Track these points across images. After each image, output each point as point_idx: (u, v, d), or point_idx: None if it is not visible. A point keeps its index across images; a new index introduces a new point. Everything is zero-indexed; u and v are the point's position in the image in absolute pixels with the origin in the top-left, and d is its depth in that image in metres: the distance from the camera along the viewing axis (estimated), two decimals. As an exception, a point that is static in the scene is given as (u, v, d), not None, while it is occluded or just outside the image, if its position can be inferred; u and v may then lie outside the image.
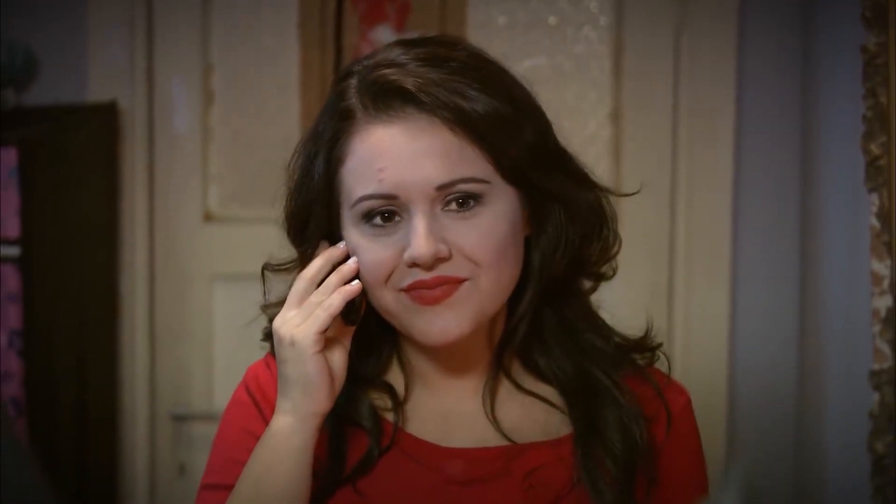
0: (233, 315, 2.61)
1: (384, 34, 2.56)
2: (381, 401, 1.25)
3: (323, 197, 1.20)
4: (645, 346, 1.29)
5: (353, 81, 1.18)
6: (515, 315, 1.23)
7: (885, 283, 1.64)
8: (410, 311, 1.17)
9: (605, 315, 1.30)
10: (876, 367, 1.65)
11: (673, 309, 2.50)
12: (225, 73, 2.64)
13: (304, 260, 1.22)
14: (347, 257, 1.19)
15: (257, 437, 1.18)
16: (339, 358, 1.18)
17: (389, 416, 1.24)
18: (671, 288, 2.51)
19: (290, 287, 1.20)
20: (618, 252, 1.26)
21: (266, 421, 1.19)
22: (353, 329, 1.20)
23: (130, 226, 2.61)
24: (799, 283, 2.41)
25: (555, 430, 1.24)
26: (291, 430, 1.15)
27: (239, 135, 2.65)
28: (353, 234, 1.18)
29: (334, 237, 1.21)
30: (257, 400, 1.25)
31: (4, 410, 2.24)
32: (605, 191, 1.25)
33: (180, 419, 2.65)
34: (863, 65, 1.68)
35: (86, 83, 2.60)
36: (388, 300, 1.18)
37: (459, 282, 1.15)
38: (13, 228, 2.49)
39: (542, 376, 1.26)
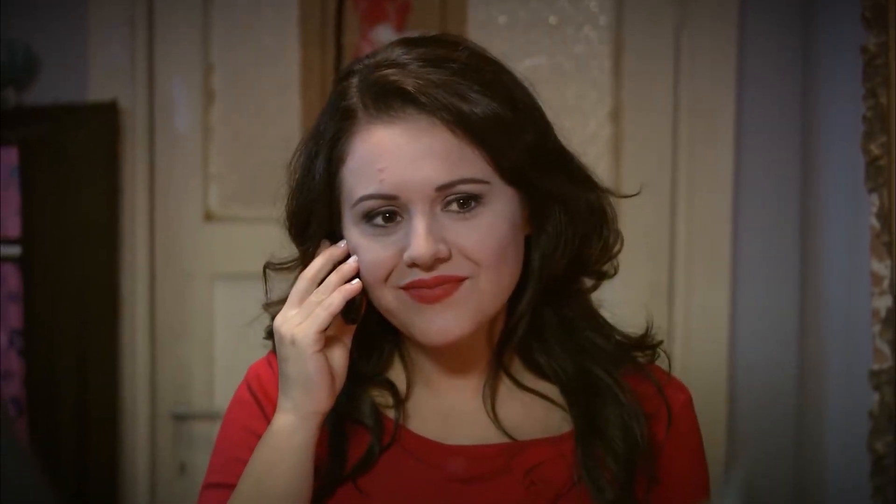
0: (233, 314, 2.62)
1: (385, 33, 2.57)
2: (383, 398, 1.25)
3: (324, 196, 1.20)
4: (645, 343, 1.29)
5: (355, 81, 1.19)
6: (515, 314, 1.23)
7: (885, 284, 1.65)
8: (411, 310, 1.17)
9: (606, 314, 1.30)
10: (876, 367, 1.65)
11: (673, 308, 2.50)
12: (225, 73, 2.64)
13: (305, 259, 1.23)
14: (348, 256, 1.19)
15: (259, 436, 1.19)
16: (339, 356, 1.18)
17: (390, 414, 1.24)
18: (671, 287, 2.51)
19: (291, 286, 1.20)
20: (619, 251, 1.27)
21: (268, 420, 1.20)
22: (353, 328, 1.21)
23: (131, 225, 2.61)
24: (799, 283, 2.41)
25: (556, 428, 1.24)
26: (293, 428, 1.16)
27: (239, 134, 2.65)
28: (354, 233, 1.18)
29: (335, 236, 1.21)
30: (259, 399, 1.25)
31: (5, 410, 2.24)
32: (606, 191, 1.25)
33: (181, 418, 2.65)
34: (863, 65, 1.68)
35: (86, 83, 2.60)
36: (388, 299, 1.18)
37: (459, 280, 1.16)
38: (14, 228, 2.49)
39: (542, 374, 1.26)
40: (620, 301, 1.33)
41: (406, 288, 1.16)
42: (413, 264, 1.15)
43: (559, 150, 1.22)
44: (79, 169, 2.51)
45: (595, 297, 1.30)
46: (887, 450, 1.62)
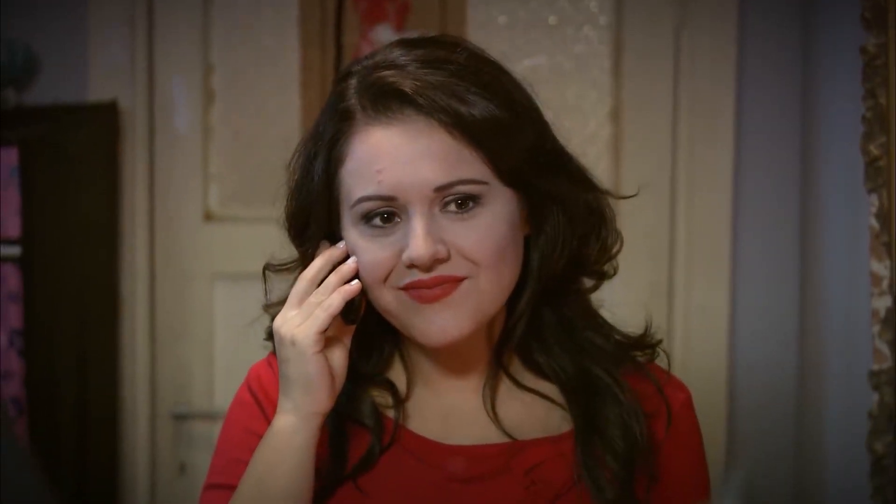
0: (233, 314, 2.62)
1: (384, 33, 2.57)
2: (383, 399, 1.25)
3: (323, 197, 1.20)
4: (645, 343, 1.29)
5: (353, 82, 1.19)
6: (514, 314, 1.23)
7: (885, 284, 1.65)
8: (410, 310, 1.17)
9: (606, 314, 1.31)
10: (875, 367, 1.65)
11: (673, 308, 2.50)
12: (225, 73, 2.64)
13: (304, 260, 1.23)
14: (347, 257, 1.20)
15: (260, 437, 1.19)
16: (339, 357, 1.19)
17: (391, 414, 1.24)
18: (671, 287, 2.51)
19: (290, 287, 1.20)
20: (619, 251, 1.27)
21: (269, 420, 1.20)
22: (353, 328, 1.21)
23: (131, 225, 2.61)
24: (799, 283, 2.41)
25: (556, 427, 1.24)
26: (293, 428, 1.16)
27: (239, 134, 2.65)
28: (353, 234, 1.19)
29: (335, 237, 1.21)
30: (260, 400, 1.26)
31: (5, 410, 2.24)
32: (605, 192, 1.25)
33: (181, 418, 2.65)
34: (862, 66, 1.68)
35: (86, 83, 2.60)
36: (388, 299, 1.18)
37: (458, 280, 1.16)
38: (14, 228, 2.49)
39: (542, 374, 1.26)
40: (620, 301, 1.34)
41: (405, 288, 1.16)
42: (412, 265, 1.15)
43: (558, 151, 1.22)
44: (79, 169, 2.51)
45: (595, 297, 1.30)
46: (887, 450, 1.62)
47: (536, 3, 2.56)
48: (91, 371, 2.54)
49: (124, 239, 2.61)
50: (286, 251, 1.27)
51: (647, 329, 1.30)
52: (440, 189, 1.14)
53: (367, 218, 1.17)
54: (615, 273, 1.28)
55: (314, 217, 1.21)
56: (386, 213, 1.16)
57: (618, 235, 1.26)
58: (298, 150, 1.24)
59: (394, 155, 1.14)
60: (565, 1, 2.56)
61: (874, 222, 1.66)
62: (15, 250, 2.49)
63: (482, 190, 1.16)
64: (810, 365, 2.30)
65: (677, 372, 1.31)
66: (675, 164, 2.50)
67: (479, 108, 1.14)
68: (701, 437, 1.30)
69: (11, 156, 2.49)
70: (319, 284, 1.18)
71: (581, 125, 2.52)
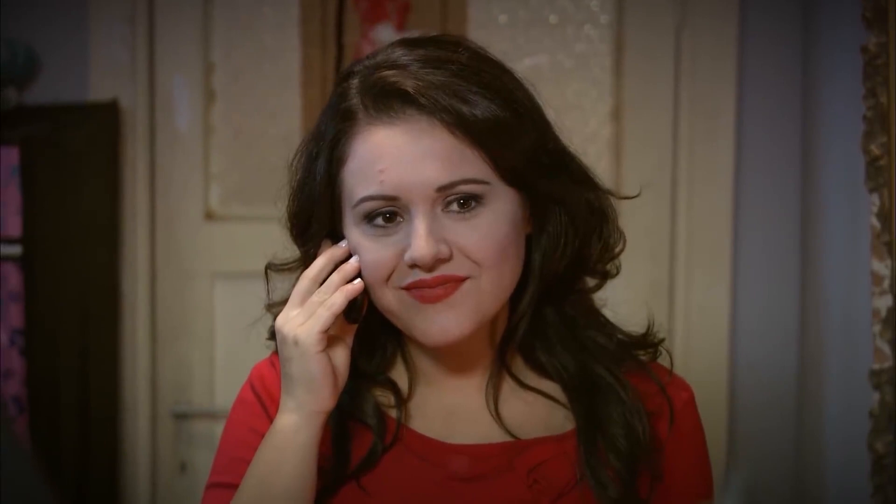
0: (234, 313, 2.62)
1: (385, 33, 2.57)
2: (385, 398, 1.26)
3: (325, 197, 1.20)
4: (647, 342, 1.29)
5: (355, 82, 1.19)
6: (516, 313, 1.23)
7: (886, 283, 1.65)
8: (411, 310, 1.17)
9: (607, 313, 1.31)
10: (876, 366, 1.65)
11: (673, 307, 2.50)
12: (226, 72, 2.64)
13: (306, 259, 1.23)
14: (349, 256, 1.20)
15: (262, 436, 1.19)
16: (341, 356, 1.19)
17: (393, 413, 1.24)
18: (672, 286, 2.51)
19: (293, 286, 1.20)
20: (622, 251, 1.27)
21: (271, 419, 1.20)
22: (355, 327, 1.21)
23: (132, 224, 2.61)
24: (799, 282, 2.41)
25: (558, 426, 1.24)
26: (296, 427, 1.16)
27: (240, 133, 2.65)
28: (355, 233, 1.19)
29: (336, 236, 1.22)
30: (262, 399, 1.26)
31: (5, 409, 2.24)
32: (606, 192, 1.25)
33: (182, 417, 2.65)
34: (863, 65, 1.68)
35: (87, 82, 2.60)
36: (389, 299, 1.18)
37: (461, 280, 1.16)
38: (15, 227, 2.49)
39: (544, 373, 1.26)
40: (621, 300, 1.34)
41: (408, 288, 1.16)
42: (414, 265, 1.15)
43: (560, 150, 1.22)
44: (80, 168, 2.51)
45: (597, 296, 1.30)
46: (887, 449, 1.62)
47: (537, 2, 2.56)
48: (92, 370, 2.54)
49: (125, 238, 2.61)
50: (287, 250, 1.27)
51: (649, 328, 1.30)
52: (442, 189, 1.14)
53: (369, 218, 1.17)
54: (618, 272, 1.28)
55: (316, 217, 1.21)
56: (388, 213, 1.16)
57: (620, 235, 1.26)
58: (300, 149, 1.24)
59: (396, 155, 1.14)
60: (566, 0, 2.56)
61: (875, 221, 1.66)
62: (16, 249, 2.49)
63: (484, 189, 1.16)
64: (811, 364, 2.31)
65: (678, 370, 1.31)
66: (675, 163, 2.50)
67: (480, 107, 1.14)
68: (703, 436, 1.30)
69: (12, 155, 2.49)
70: (322, 284, 1.18)
71: (582, 124, 2.52)
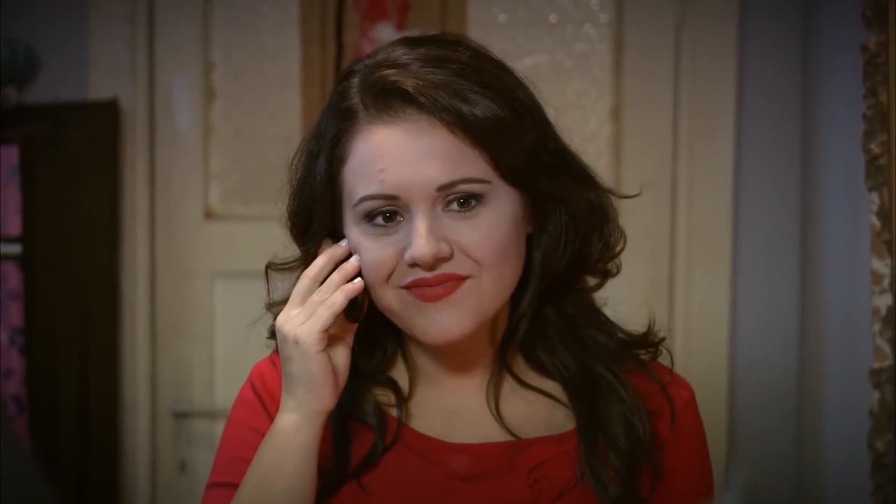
0: (234, 312, 2.62)
1: (385, 32, 2.57)
2: (386, 397, 1.26)
3: (325, 196, 1.20)
4: (648, 341, 1.29)
5: (355, 81, 1.19)
6: (517, 312, 1.23)
7: (886, 282, 1.65)
8: (412, 309, 1.17)
9: (608, 312, 1.31)
10: (876, 365, 1.65)
11: (673, 306, 2.50)
12: (226, 71, 2.64)
13: (307, 259, 1.23)
14: (350, 255, 1.20)
15: (263, 435, 1.19)
16: (342, 355, 1.19)
17: (393, 413, 1.24)
18: (672, 285, 2.51)
19: (293, 286, 1.20)
20: (622, 250, 1.27)
21: (272, 419, 1.20)
22: (355, 326, 1.21)
23: (131, 223, 2.61)
24: (799, 281, 2.41)
25: (559, 425, 1.24)
26: (297, 427, 1.16)
27: (240, 132, 2.65)
28: (355, 232, 1.19)
29: (337, 235, 1.21)
30: (263, 398, 1.26)
31: (5, 408, 2.24)
32: (607, 191, 1.25)
33: (181, 416, 2.65)
34: (863, 64, 1.68)
35: (87, 81, 2.60)
36: (390, 298, 1.18)
37: (461, 279, 1.16)
38: (14, 226, 2.49)
39: (545, 372, 1.26)
40: (621, 299, 1.34)
41: (408, 287, 1.16)
42: (414, 264, 1.15)
43: (560, 149, 1.22)
44: (79, 167, 2.52)
45: (598, 295, 1.30)
46: (887, 448, 1.62)
47: (537, 2, 2.56)
48: (92, 369, 2.54)
49: (125, 237, 2.61)
50: (287, 250, 1.27)
51: (650, 327, 1.30)
52: (443, 188, 1.14)
53: (369, 217, 1.17)
54: (618, 272, 1.28)
55: (316, 216, 1.21)
56: (388, 213, 1.16)
57: (621, 234, 1.26)
58: (300, 148, 1.24)
59: (396, 154, 1.14)
60: (566, -1, 2.56)
61: (875, 220, 1.66)
62: (16, 248, 2.49)
63: (485, 189, 1.16)
64: (811, 363, 2.31)
65: (678, 370, 1.31)
66: (675, 162, 2.50)
67: (481, 107, 1.14)
68: (704, 435, 1.30)
69: (12, 154, 2.49)
70: (322, 283, 1.18)
71: (581, 123, 2.52)
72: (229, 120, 2.65)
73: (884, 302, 1.65)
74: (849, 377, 1.88)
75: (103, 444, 2.57)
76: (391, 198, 1.15)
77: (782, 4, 2.44)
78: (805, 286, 2.38)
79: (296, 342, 1.15)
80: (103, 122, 2.56)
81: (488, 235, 1.16)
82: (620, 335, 1.29)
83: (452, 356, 1.24)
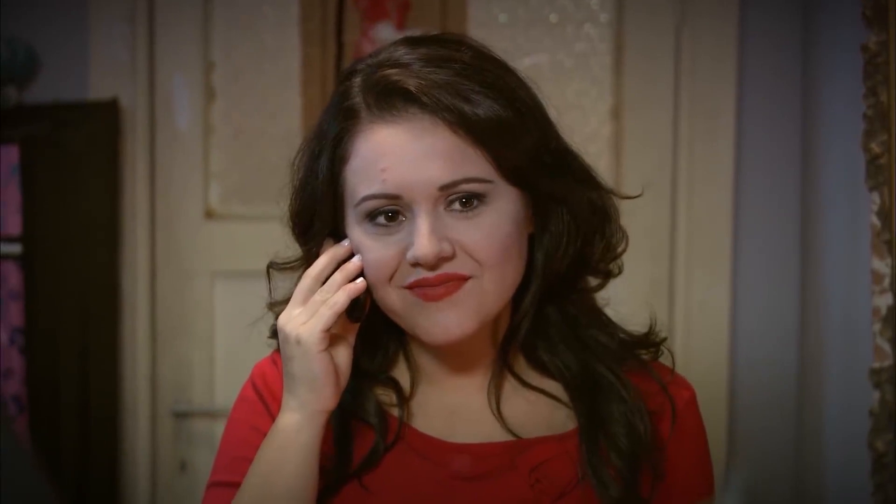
0: (234, 312, 2.62)
1: (385, 31, 2.57)
2: (387, 397, 1.26)
3: (327, 196, 1.20)
4: (649, 341, 1.29)
5: (357, 80, 1.18)
6: (519, 312, 1.23)
7: (886, 282, 1.65)
8: (414, 309, 1.17)
9: (609, 312, 1.31)
10: (876, 365, 1.65)
11: (674, 305, 2.50)
12: (226, 71, 2.64)
13: (308, 258, 1.23)
14: (352, 255, 1.20)
15: (264, 435, 1.19)
16: (344, 355, 1.19)
17: (395, 412, 1.24)
18: (672, 284, 2.51)
19: (295, 285, 1.20)
20: (624, 251, 1.27)
21: (273, 418, 1.20)
22: (357, 326, 1.21)
23: (132, 223, 2.61)
24: (799, 280, 2.41)
25: (560, 425, 1.24)
26: (298, 426, 1.16)
27: (240, 132, 2.65)
28: (357, 232, 1.19)
29: (339, 235, 1.21)
30: (264, 397, 1.26)
31: (5, 408, 2.24)
32: (609, 191, 1.25)
33: (181, 416, 2.65)
34: (863, 63, 1.68)
35: (87, 81, 2.60)
36: (393, 298, 1.18)
37: (463, 279, 1.16)
38: (15, 226, 2.49)
39: (546, 372, 1.26)
40: (621, 299, 1.34)
41: (410, 287, 1.16)
42: (416, 263, 1.15)
43: (562, 150, 1.22)
44: (79, 167, 2.52)
45: (600, 296, 1.30)
46: (887, 448, 1.62)
47: (537, 1, 2.56)
48: (92, 369, 2.54)
49: (125, 237, 2.61)
50: (289, 249, 1.27)
51: (651, 327, 1.30)
52: (445, 188, 1.14)
53: (371, 216, 1.17)
54: (620, 272, 1.28)
55: (318, 215, 1.21)
56: (390, 212, 1.16)
57: (623, 235, 1.26)
58: (302, 148, 1.23)
59: (398, 153, 1.14)
60: (566, -1, 2.56)
61: (875, 220, 1.67)
62: (16, 248, 2.49)
63: (487, 189, 1.16)
64: (811, 362, 2.31)
65: (678, 369, 1.31)
66: (675, 162, 2.50)
67: (483, 107, 1.14)
68: (705, 435, 1.30)
69: (12, 154, 2.49)
70: (324, 282, 1.18)
71: (582, 123, 2.52)
72: (229, 120, 2.65)
73: (884, 301, 1.65)
74: (849, 377, 1.88)
75: (103, 443, 2.57)
76: (393, 197, 1.15)
77: (782, 4, 2.44)
78: (805, 286, 2.38)
79: (297, 341, 1.15)
80: (103, 121, 2.56)
81: (490, 235, 1.16)
82: (622, 335, 1.29)
83: (454, 356, 1.24)
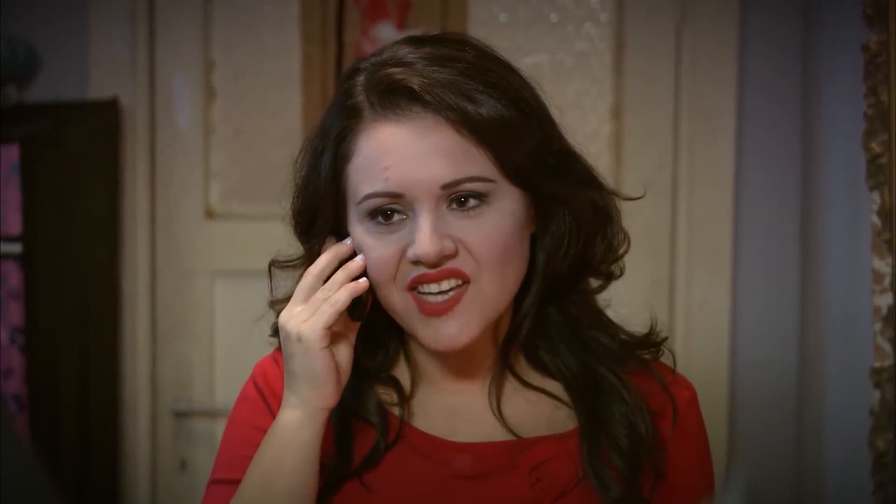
0: (234, 311, 2.62)
1: (385, 30, 2.57)
2: (388, 395, 1.26)
3: (329, 194, 1.20)
4: (650, 341, 1.29)
5: (361, 79, 1.19)
6: (520, 313, 1.24)
7: (886, 281, 1.65)
8: (416, 319, 1.18)
9: (610, 313, 1.31)
10: (876, 364, 1.65)
11: (674, 305, 2.50)
12: (226, 70, 2.64)
13: (310, 256, 1.23)
14: (354, 254, 1.20)
15: (265, 433, 1.19)
16: (345, 353, 1.19)
17: (396, 411, 1.25)
18: (672, 284, 2.52)
19: (296, 283, 1.20)
20: (626, 252, 1.27)
21: (274, 416, 1.20)
22: (358, 324, 1.21)
23: (132, 222, 2.61)
24: (800, 280, 2.41)
25: (561, 425, 1.24)
26: (299, 424, 1.16)
27: (240, 131, 2.65)
28: (359, 230, 1.19)
29: (341, 233, 1.21)
30: (265, 395, 1.26)
31: (5, 407, 2.24)
32: (610, 192, 1.25)
33: (182, 415, 2.65)
34: (864, 63, 1.68)
35: (87, 80, 2.60)
36: (395, 300, 1.18)
37: (464, 278, 1.16)
38: (15, 225, 2.49)
39: (547, 372, 1.27)
40: (621, 299, 1.34)
41: (411, 287, 1.16)
42: (417, 261, 1.15)
43: (565, 150, 1.22)
44: (80, 166, 2.51)
45: (601, 297, 1.30)
46: (888, 447, 1.62)
47: (537, 1, 2.56)
48: (92, 368, 2.54)
49: (125, 236, 2.61)
50: (290, 248, 1.27)
51: (652, 327, 1.30)
52: (447, 186, 1.14)
53: (373, 214, 1.17)
54: (622, 273, 1.28)
55: (321, 213, 1.21)
56: (392, 210, 1.16)
57: (625, 236, 1.26)
58: (305, 146, 1.24)
59: (401, 152, 1.14)
60: (566, -2, 2.56)
61: (875, 219, 1.67)
62: (16, 247, 2.49)
63: (489, 188, 1.16)
64: (811, 362, 2.31)
65: (679, 369, 1.31)
66: (676, 162, 2.50)
67: (486, 106, 1.14)
68: (706, 435, 1.30)
69: (12, 153, 2.49)
70: (326, 280, 1.18)
71: (582, 122, 2.52)
72: (230, 119, 2.65)
73: (884, 301, 1.65)
74: (849, 376, 1.88)
75: (103, 443, 2.57)
76: (395, 195, 1.15)
77: (782, 4, 2.44)
78: (805, 286, 2.38)
79: (299, 339, 1.15)
80: (103, 121, 2.56)
81: (492, 234, 1.16)
82: (623, 336, 1.29)
83: (455, 356, 1.24)
